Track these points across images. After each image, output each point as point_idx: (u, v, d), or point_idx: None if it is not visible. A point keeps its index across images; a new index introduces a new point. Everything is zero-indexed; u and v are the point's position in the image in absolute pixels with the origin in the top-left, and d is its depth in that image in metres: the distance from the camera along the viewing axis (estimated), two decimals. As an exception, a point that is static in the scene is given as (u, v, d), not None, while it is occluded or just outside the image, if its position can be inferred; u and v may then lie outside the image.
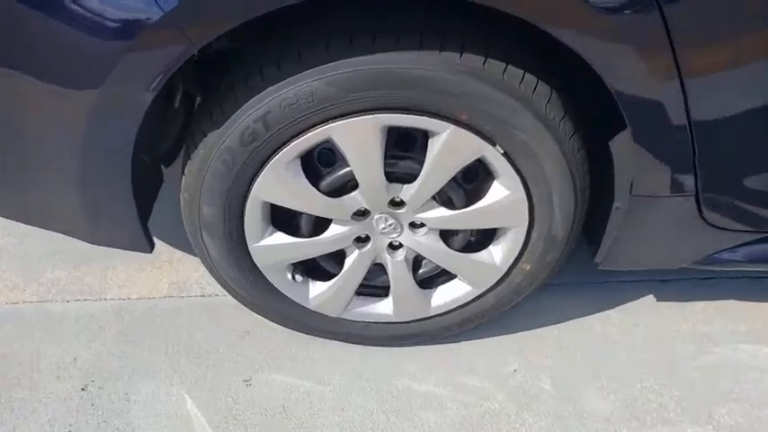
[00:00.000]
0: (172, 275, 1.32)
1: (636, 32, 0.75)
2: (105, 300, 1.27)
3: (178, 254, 1.35)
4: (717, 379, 1.13)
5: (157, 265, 1.34)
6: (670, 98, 0.80)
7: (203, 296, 1.28)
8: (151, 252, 1.03)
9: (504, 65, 0.82)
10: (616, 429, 1.05)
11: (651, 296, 1.28)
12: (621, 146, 0.91)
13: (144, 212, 0.99)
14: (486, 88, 0.82)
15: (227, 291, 1.09)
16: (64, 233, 1.04)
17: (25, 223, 1.05)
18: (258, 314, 1.15)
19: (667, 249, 1.03)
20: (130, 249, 1.02)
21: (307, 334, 1.17)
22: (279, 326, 1.16)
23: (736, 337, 1.20)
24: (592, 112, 0.92)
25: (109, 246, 1.04)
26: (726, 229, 0.99)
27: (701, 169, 0.89)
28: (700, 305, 1.26)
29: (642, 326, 1.23)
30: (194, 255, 1.07)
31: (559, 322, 1.23)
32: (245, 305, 1.12)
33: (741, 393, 1.10)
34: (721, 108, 0.83)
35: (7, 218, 1.07)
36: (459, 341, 1.18)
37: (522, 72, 0.83)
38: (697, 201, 0.94)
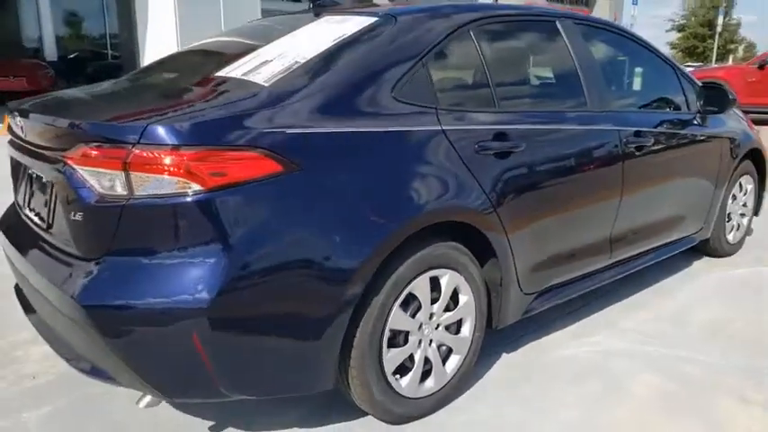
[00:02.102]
0: None
1: (484, 222, 2.17)
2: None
3: None
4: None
5: None
6: (505, 242, 2.24)
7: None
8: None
9: (461, 243, 2.13)
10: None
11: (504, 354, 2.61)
12: (492, 265, 2.28)
13: None
14: (457, 253, 2.11)
15: (381, 416, 2.01)
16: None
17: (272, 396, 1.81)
18: (386, 421, 2.05)
19: (514, 308, 2.40)
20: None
21: (397, 424, 2.08)
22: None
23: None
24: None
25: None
26: (529, 293, 2.44)
27: (518, 267, 2.33)
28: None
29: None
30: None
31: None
32: (383, 419, 2.03)
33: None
34: (536, 236, 2.30)
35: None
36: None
37: (463, 245, 2.15)
38: (518, 283, 2.36)
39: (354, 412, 2.12)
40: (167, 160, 1.59)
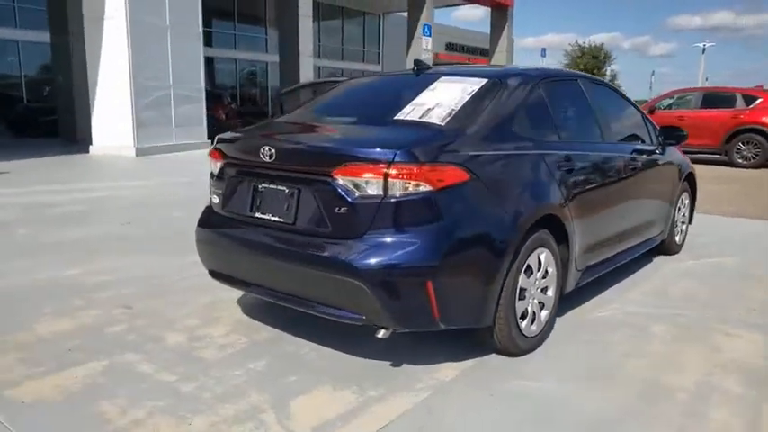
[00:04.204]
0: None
1: (564, 216, 3.20)
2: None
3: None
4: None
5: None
6: (572, 229, 3.26)
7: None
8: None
9: (552, 234, 3.13)
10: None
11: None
12: (562, 248, 3.29)
13: None
14: (550, 238, 3.11)
15: (511, 348, 2.91)
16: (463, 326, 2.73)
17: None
18: (512, 353, 2.95)
19: (572, 280, 3.41)
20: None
21: (518, 355, 3.01)
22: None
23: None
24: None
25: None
26: (580, 270, 3.47)
27: (578, 249, 3.36)
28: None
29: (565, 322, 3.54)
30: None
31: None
32: (512, 351, 2.93)
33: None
34: (584, 228, 3.34)
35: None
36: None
37: (552, 234, 3.15)
38: (575, 261, 3.39)
39: (482, 354, 3.02)
40: (411, 172, 2.49)
